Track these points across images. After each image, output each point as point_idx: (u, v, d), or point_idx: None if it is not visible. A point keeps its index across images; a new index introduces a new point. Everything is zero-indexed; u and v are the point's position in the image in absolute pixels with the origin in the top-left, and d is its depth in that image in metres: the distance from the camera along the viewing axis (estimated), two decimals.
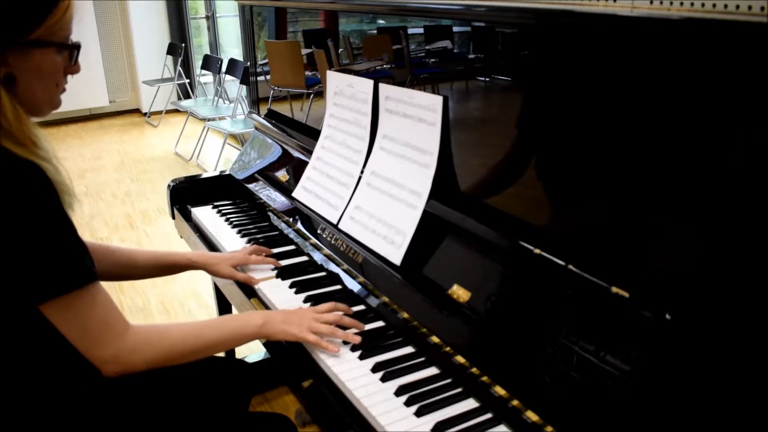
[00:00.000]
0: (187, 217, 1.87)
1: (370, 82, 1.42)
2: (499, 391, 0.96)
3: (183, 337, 1.06)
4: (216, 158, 4.62)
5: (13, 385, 0.98)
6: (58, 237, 0.92)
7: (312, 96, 1.84)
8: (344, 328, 1.17)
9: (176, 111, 6.00)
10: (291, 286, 1.39)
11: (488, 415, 0.96)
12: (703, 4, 0.74)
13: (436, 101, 1.21)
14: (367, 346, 1.14)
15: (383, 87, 1.37)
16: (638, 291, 0.85)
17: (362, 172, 1.41)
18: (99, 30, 6.06)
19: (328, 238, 1.44)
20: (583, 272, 0.92)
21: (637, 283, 0.86)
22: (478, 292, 1.06)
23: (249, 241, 1.63)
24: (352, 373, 1.07)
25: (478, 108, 1.26)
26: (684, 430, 0.77)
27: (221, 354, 1.95)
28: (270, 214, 1.79)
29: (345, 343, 1.14)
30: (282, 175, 1.77)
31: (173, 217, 1.95)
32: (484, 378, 0.99)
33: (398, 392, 1.02)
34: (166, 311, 2.71)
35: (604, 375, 0.83)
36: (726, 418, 0.75)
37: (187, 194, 1.94)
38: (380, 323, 1.23)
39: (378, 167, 1.37)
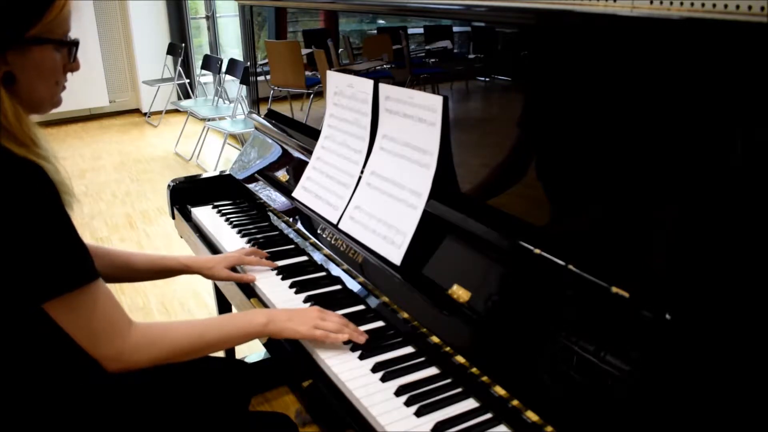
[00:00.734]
0: (187, 217, 1.87)
1: (370, 82, 1.42)
2: (499, 391, 0.96)
3: (186, 335, 1.06)
4: (216, 158, 4.62)
5: (14, 384, 0.98)
6: (60, 236, 0.92)
7: (312, 96, 1.84)
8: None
9: (176, 111, 6.00)
10: (291, 286, 1.39)
11: (488, 415, 0.96)
12: (703, 4, 0.74)
13: (436, 101, 1.21)
14: (367, 346, 1.14)
15: (383, 87, 1.37)
16: (638, 291, 0.85)
17: (362, 172, 1.41)
18: (99, 30, 6.06)
19: (328, 238, 1.44)
20: (583, 272, 0.92)
21: (637, 283, 0.86)
22: (478, 292, 1.06)
23: (249, 241, 1.63)
24: (352, 373, 1.07)
25: (478, 108, 1.26)
26: (684, 430, 0.77)
27: (221, 354, 1.96)
28: (270, 214, 1.79)
29: (345, 343, 1.14)
30: (282, 175, 1.77)
31: (173, 217, 1.96)
32: (484, 378, 0.99)
33: (398, 392, 1.02)
34: (166, 311, 2.71)
35: (604, 375, 0.83)
36: (726, 418, 0.75)
37: (187, 194, 1.94)
38: (380, 323, 1.23)
39: (378, 167, 1.37)
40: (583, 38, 0.93)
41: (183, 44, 6.01)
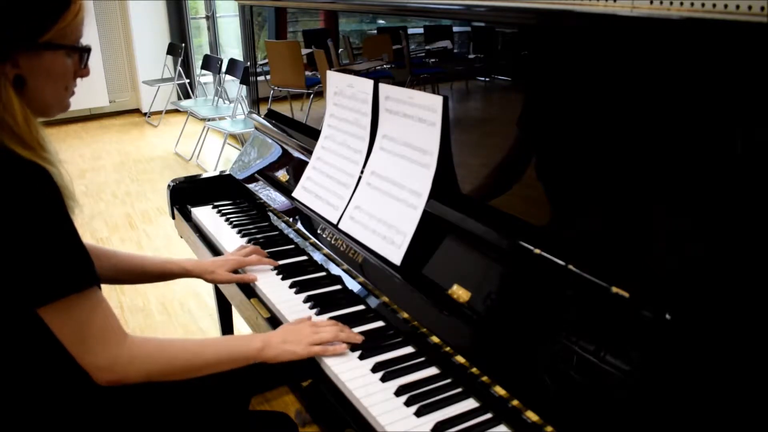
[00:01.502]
0: (187, 217, 1.87)
1: (370, 82, 1.42)
2: (499, 391, 0.96)
3: (181, 353, 1.05)
4: (216, 158, 4.62)
5: (9, 388, 0.98)
6: (62, 241, 0.92)
7: (312, 96, 1.84)
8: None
9: (176, 111, 6.00)
10: (291, 286, 1.39)
11: (488, 415, 0.96)
12: (703, 4, 0.74)
13: (436, 101, 1.21)
14: (367, 346, 1.14)
15: (383, 87, 1.37)
16: (638, 291, 0.85)
17: (362, 172, 1.42)
18: (99, 30, 6.07)
19: (328, 238, 1.44)
20: (583, 272, 0.92)
21: (637, 283, 0.86)
22: (478, 292, 1.06)
23: (249, 241, 1.63)
24: (352, 373, 1.07)
25: (478, 108, 1.26)
26: (684, 430, 0.77)
27: None
28: (270, 214, 1.79)
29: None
30: (282, 175, 1.77)
31: (173, 217, 1.96)
32: (484, 378, 0.99)
33: (398, 392, 1.02)
34: (166, 311, 2.71)
35: (604, 375, 0.83)
36: (726, 418, 0.75)
37: (187, 194, 1.94)
38: (380, 323, 1.23)
39: (378, 167, 1.37)
40: (583, 38, 0.93)
41: (183, 44, 6.01)
